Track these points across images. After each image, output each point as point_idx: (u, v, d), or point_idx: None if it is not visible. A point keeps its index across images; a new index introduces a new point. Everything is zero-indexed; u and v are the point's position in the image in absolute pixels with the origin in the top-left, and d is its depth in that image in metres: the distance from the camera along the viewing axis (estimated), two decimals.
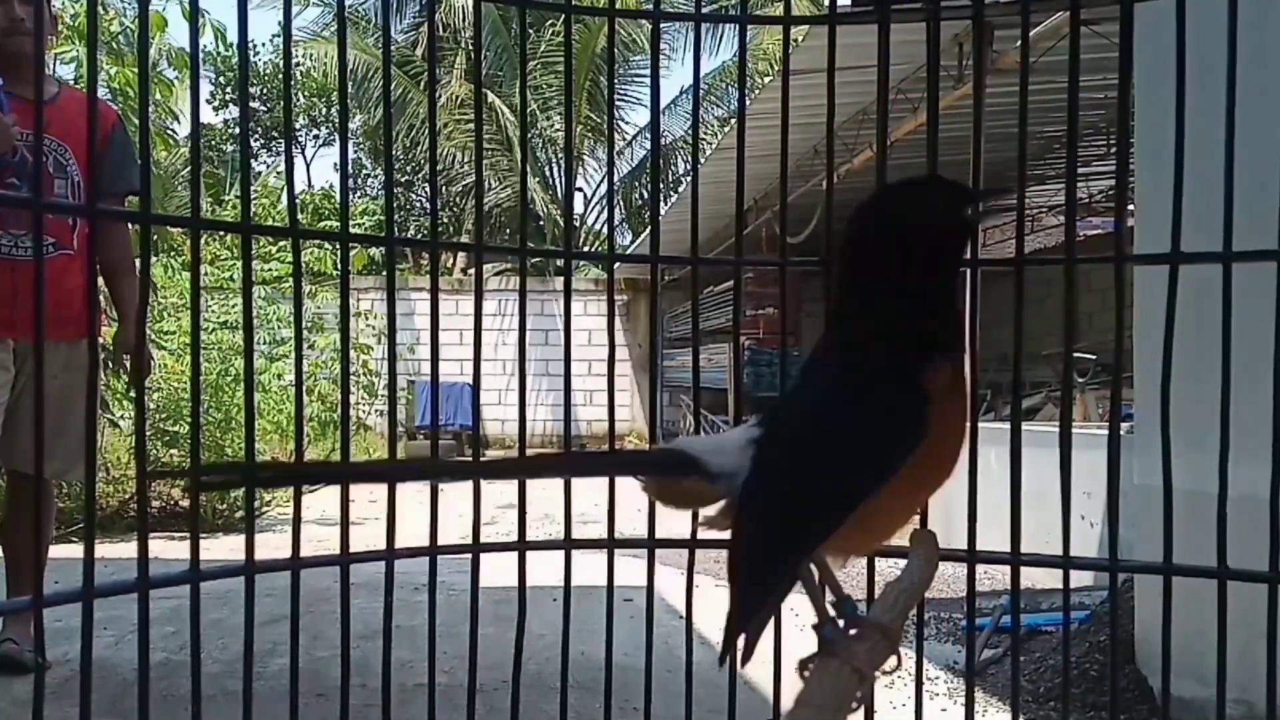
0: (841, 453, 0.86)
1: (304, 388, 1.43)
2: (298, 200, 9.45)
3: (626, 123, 18.41)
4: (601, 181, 18.37)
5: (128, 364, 2.95)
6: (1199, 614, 1.38)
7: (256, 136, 18.88)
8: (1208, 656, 1.33)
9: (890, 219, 0.93)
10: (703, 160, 8.62)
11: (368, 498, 6.15)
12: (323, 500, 7.18)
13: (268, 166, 19.84)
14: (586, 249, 11.80)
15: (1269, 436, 1.26)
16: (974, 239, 0.94)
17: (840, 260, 1.00)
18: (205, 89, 18.34)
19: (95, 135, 1.31)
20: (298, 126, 20.53)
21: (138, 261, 3.60)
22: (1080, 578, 3.06)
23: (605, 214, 16.42)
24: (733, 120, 13.63)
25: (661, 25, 1.61)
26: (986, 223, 10.73)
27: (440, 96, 15.17)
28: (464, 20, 16.06)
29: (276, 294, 9.31)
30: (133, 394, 3.80)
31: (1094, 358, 7.15)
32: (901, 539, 0.99)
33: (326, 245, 8.43)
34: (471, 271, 7.11)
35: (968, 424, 0.87)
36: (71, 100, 2.81)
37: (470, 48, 16.18)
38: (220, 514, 6.14)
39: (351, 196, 17.22)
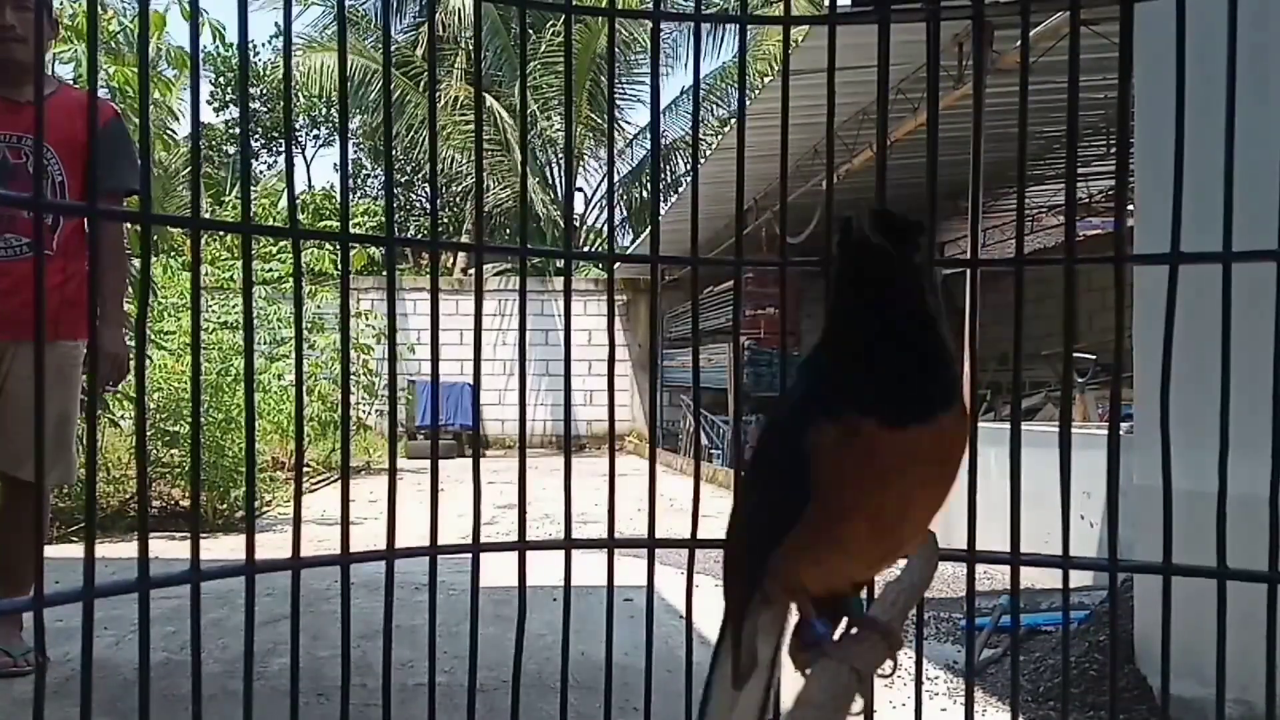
0: (751, 510, 0.98)
1: (304, 388, 1.43)
2: (298, 200, 9.46)
3: (627, 123, 18.45)
4: (601, 181, 18.38)
5: (101, 366, 2.94)
6: (1199, 614, 1.38)
7: (257, 136, 18.88)
8: (1207, 656, 1.33)
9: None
10: (703, 160, 8.62)
11: (368, 498, 6.14)
12: (323, 500, 7.19)
13: (268, 166, 19.86)
14: (586, 249, 11.80)
15: (1269, 436, 1.26)
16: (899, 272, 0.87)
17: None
18: (205, 89, 18.34)
19: (95, 135, 1.31)
20: (298, 127, 20.53)
21: (136, 262, 3.61)
22: (1080, 578, 3.06)
23: (605, 214, 16.42)
24: (733, 120, 13.64)
25: (662, 25, 1.61)
26: (986, 222, 10.74)
27: (440, 98, 15.17)
28: (464, 21, 16.06)
29: (277, 294, 9.33)
30: (130, 393, 3.80)
31: (1094, 358, 7.15)
32: None
33: (326, 245, 8.43)
34: (471, 271, 7.10)
35: (880, 483, 0.85)
36: (63, 100, 2.81)
37: (470, 48, 16.17)
38: (220, 514, 6.15)
39: (351, 197, 17.23)
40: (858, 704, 0.86)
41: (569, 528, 1.49)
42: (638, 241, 15.15)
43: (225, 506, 6.19)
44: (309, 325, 9.06)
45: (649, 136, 10.29)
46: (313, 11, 18.03)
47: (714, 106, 17.21)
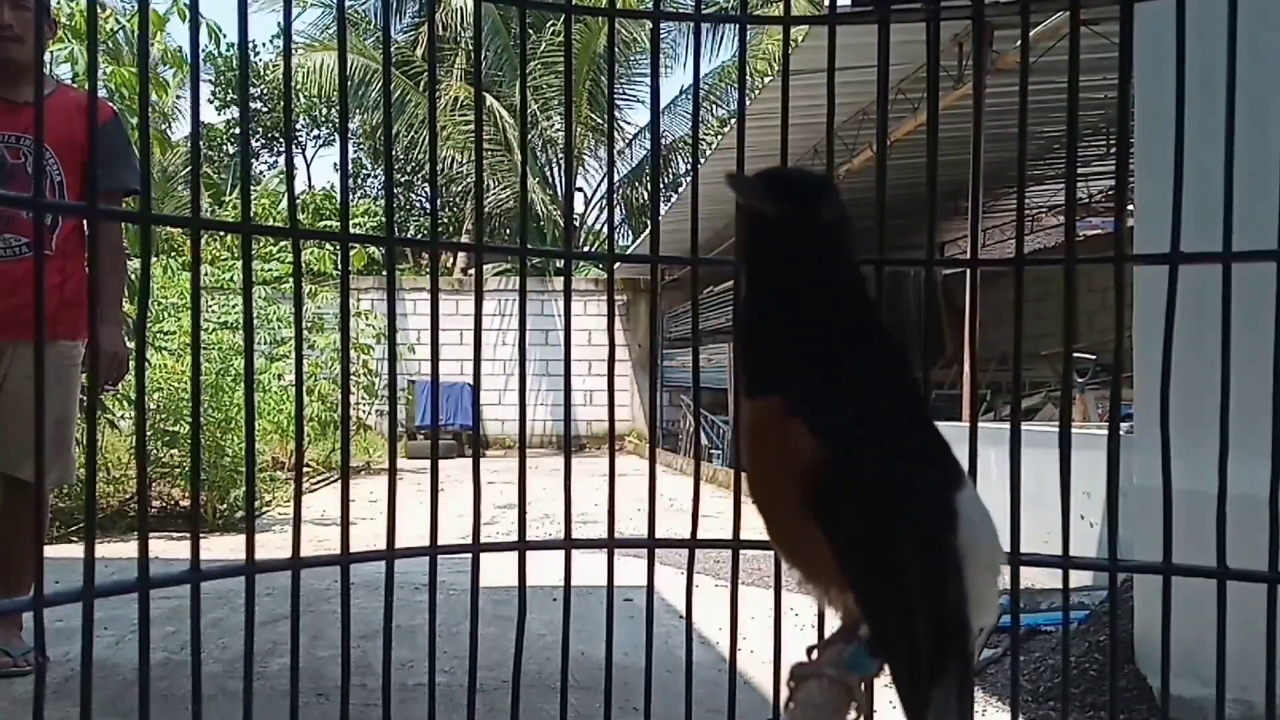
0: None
1: (304, 388, 1.43)
2: (298, 200, 9.46)
3: (627, 123, 18.45)
4: (601, 181, 18.39)
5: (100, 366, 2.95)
6: (1199, 614, 1.38)
7: (257, 136, 18.88)
8: (1207, 656, 1.33)
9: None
10: (703, 160, 8.62)
11: (368, 498, 6.14)
12: (323, 500, 7.19)
13: (268, 166, 19.86)
14: (586, 249, 11.81)
15: (1269, 436, 1.26)
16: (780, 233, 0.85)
17: None
18: (205, 89, 18.34)
19: (95, 135, 1.31)
20: (298, 127, 20.52)
21: (136, 263, 3.61)
22: (1080, 578, 3.05)
23: (605, 214, 16.42)
24: (733, 120, 13.63)
25: (662, 25, 1.61)
26: (986, 222, 10.74)
27: (440, 98, 15.17)
28: (464, 21, 16.06)
29: (276, 294, 9.32)
30: (130, 393, 3.78)
31: (1094, 358, 7.15)
32: None
33: (326, 245, 8.44)
34: (471, 271, 7.10)
35: (771, 459, 0.85)
36: (61, 100, 2.82)
37: (470, 48, 16.17)
38: (220, 514, 6.15)
39: (352, 197, 17.23)
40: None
41: (569, 528, 1.49)
42: (638, 241, 15.14)
43: (225, 506, 6.18)
44: (309, 325, 9.06)
45: (649, 136, 10.30)
46: (313, 11, 18.04)
47: (714, 106, 17.20)
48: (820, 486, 0.81)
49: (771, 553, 1.49)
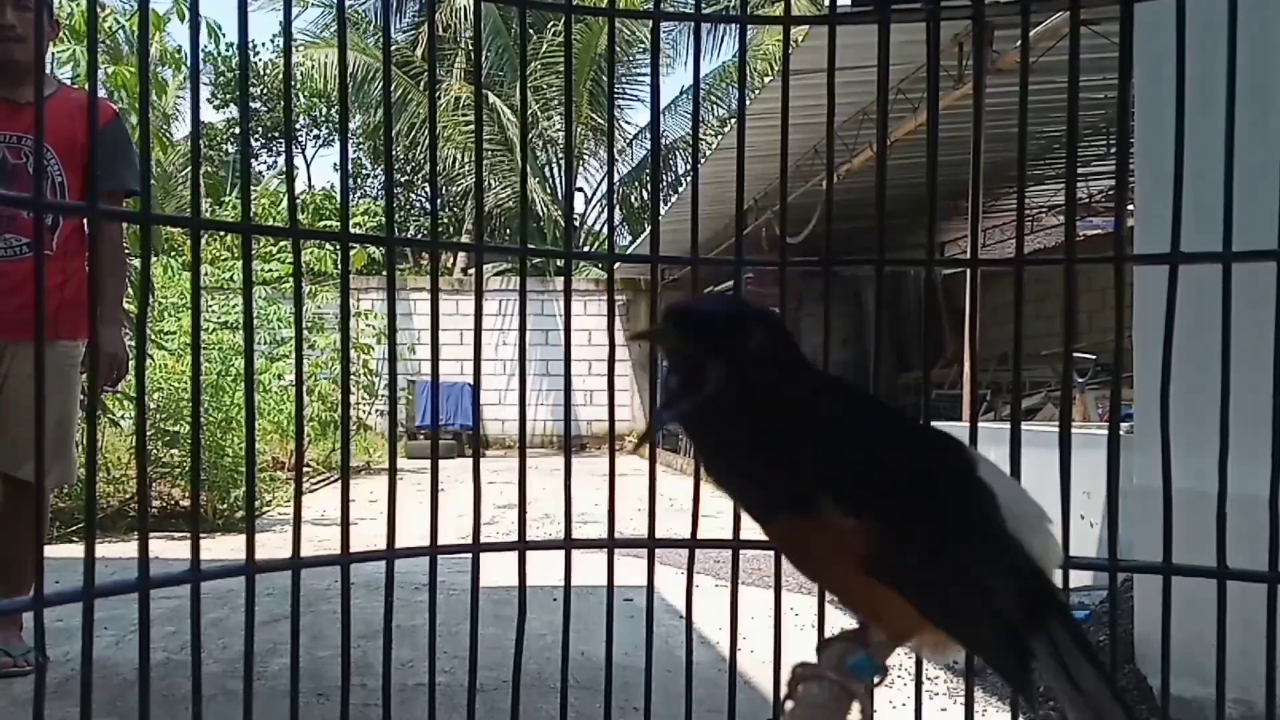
0: None
1: (304, 388, 1.43)
2: (298, 200, 9.46)
3: (627, 123, 18.48)
4: (601, 181, 18.39)
5: (100, 366, 2.94)
6: (1199, 614, 1.38)
7: (257, 136, 18.87)
8: (1207, 656, 1.33)
9: None
10: (703, 160, 8.62)
11: (368, 498, 6.13)
12: (323, 500, 7.18)
13: (268, 166, 19.86)
14: (586, 249, 11.81)
15: (1269, 436, 1.26)
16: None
17: None
18: (204, 89, 18.33)
19: (96, 135, 1.31)
20: (298, 126, 20.53)
21: (135, 263, 3.61)
22: (1080, 578, 3.05)
23: (605, 214, 16.42)
24: (733, 120, 13.64)
25: (662, 25, 1.61)
26: (986, 222, 10.75)
27: (440, 97, 15.17)
28: (464, 20, 16.07)
29: (277, 294, 9.33)
30: (130, 393, 3.77)
31: (1094, 358, 7.15)
32: None
33: (327, 245, 8.43)
34: (471, 271, 7.11)
35: (817, 559, 0.88)
36: (63, 100, 2.82)
37: (470, 48, 16.17)
38: (220, 514, 6.15)
39: (352, 197, 17.23)
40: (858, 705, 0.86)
41: (569, 528, 1.49)
42: (638, 241, 15.15)
43: (225, 506, 6.19)
44: (309, 325, 9.06)
45: (649, 136, 10.30)
46: (313, 10, 18.05)
47: (714, 106, 17.22)
48: (878, 559, 0.81)
49: (772, 553, 1.49)
